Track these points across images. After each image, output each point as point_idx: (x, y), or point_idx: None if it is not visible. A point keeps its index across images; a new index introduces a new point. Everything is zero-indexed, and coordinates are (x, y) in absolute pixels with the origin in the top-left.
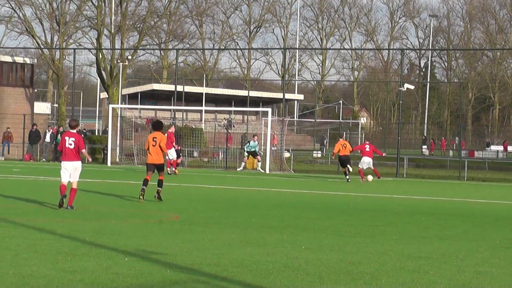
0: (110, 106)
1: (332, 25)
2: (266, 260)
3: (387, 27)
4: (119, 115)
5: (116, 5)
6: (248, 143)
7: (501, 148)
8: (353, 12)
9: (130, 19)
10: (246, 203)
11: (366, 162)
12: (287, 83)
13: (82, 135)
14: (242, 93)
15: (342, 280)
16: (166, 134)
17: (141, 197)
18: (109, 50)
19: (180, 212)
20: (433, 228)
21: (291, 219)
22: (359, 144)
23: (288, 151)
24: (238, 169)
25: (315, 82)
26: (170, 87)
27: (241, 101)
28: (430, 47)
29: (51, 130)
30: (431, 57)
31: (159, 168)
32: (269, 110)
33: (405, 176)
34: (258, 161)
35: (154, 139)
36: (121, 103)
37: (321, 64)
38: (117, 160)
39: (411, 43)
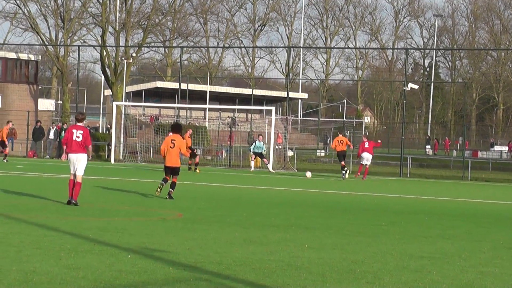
0: (114, 103)
1: (337, 24)
2: (268, 259)
3: (391, 26)
4: (123, 112)
5: (121, 2)
6: (254, 143)
7: (505, 148)
8: (357, 11)
9: (134, 16)
10: (249, 201)
11: (365, 158)
12: (291, 82)
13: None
14: (246, 91)
15: (344, 279)
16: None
17: (158, 189)
18: (114, 48)
19: (183, 210)
20: (436, 228)
21: (294, 218)
22: (359, 144)
23: (292, 149)
24: (251, 170)
25: (319, 81)
26: (174, 85)
27: (245, 99)
28: (435, 47)
29: (55, 127)
30: (435, 57)
31: (174, 171)
32: (273, 108)
33: (408, 175)
34: (266, 163)
35: (173, 141)
36: (125, 101)
37: (325, 63)
38: (121, 157)
39: (415, 42)
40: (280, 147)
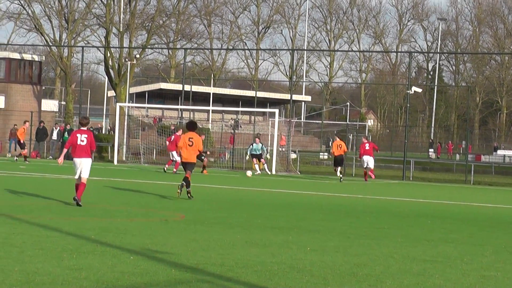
0: (118, 104)
1: (341, 26)
2: (271, 261)
3: (395, 29)
4: (126, 113)
5: (125, 4)
6: (251, 146)
7: (510, 152)
8: (361, 14)
9: (138, 17)
10: (252, 203)
11: (366, 160)
12: (295, 84)
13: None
14: (250, 93)
15: (347, 282)
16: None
17: (178, 190)
18: (117, 49)
19: (186, 211)
20: (438, 231)
21: (297, 220)
22: (360, 145)
23: (295, 152)
24: (256, 173)
25: (323, 83)
26: (177, 87)
27: (248, 101)
28: (438, 50)
29: (58, 128)
30: (439, 60)
31: (189, 166)
32: (276, 111)
33: (411, 179)
34: (263, 164)
35: (190, 139)
36: (129, 102)
37: (328, 66)
38: (124, 158)
39: (419, 46)
40: (283, 149)
